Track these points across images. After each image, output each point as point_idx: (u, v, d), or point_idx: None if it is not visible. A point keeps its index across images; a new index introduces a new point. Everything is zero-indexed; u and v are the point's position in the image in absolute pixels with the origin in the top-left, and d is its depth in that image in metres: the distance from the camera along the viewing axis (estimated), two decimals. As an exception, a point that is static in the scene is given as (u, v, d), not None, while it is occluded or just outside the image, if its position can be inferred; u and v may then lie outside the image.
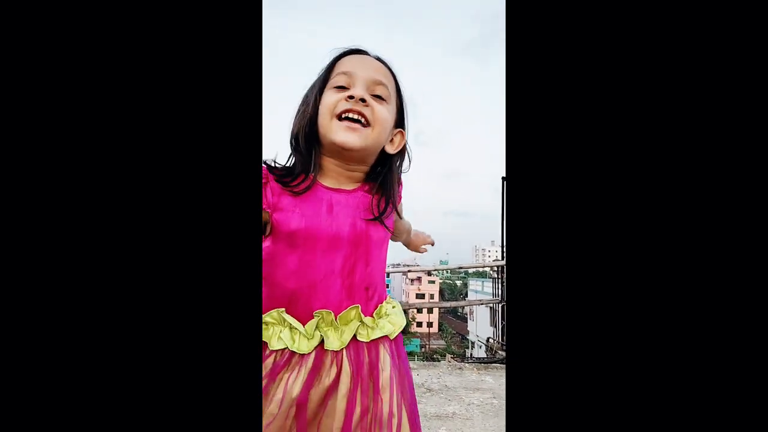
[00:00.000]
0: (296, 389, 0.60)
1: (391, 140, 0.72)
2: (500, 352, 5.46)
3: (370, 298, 0.68)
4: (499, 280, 6.16)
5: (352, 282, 0.66)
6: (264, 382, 0.61)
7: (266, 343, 0.63)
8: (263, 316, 0.64)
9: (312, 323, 0.63)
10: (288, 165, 0.69)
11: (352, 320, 0.65)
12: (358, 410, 0.62)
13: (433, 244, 0.99)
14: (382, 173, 0.72)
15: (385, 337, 0.68)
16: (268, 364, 0.62)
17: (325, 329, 0.63)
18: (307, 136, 0.67)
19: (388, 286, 0.78)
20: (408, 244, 0.97)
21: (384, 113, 0.67)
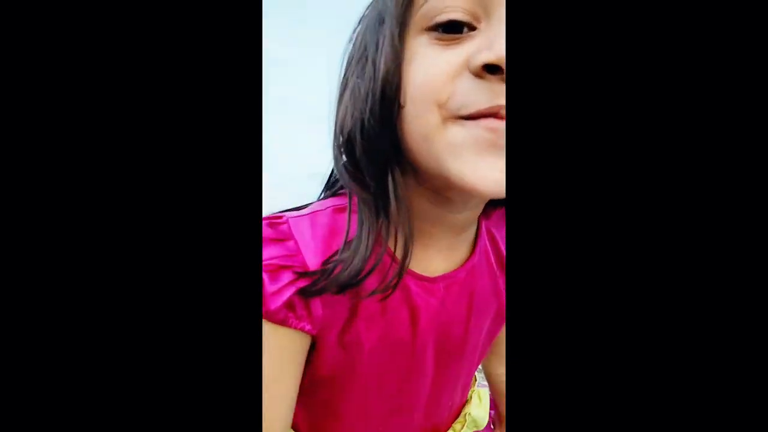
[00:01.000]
0: None
1: None
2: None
3: (458, 395, 0.44)
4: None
5: (439, 407, 0.41)
6: None
7: None
8: None
9: None
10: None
11: None
12: None
13: None
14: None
15: None
16: None
17: None
18: (370, 146, 0.30)
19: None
20: None
21: None
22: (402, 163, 0.30)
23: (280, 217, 0.33)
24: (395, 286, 0.31)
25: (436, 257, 0.35)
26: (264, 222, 0.33)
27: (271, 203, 0.38)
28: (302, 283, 0.31)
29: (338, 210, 0.33)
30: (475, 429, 0.45)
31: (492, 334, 0.43)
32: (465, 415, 0.45)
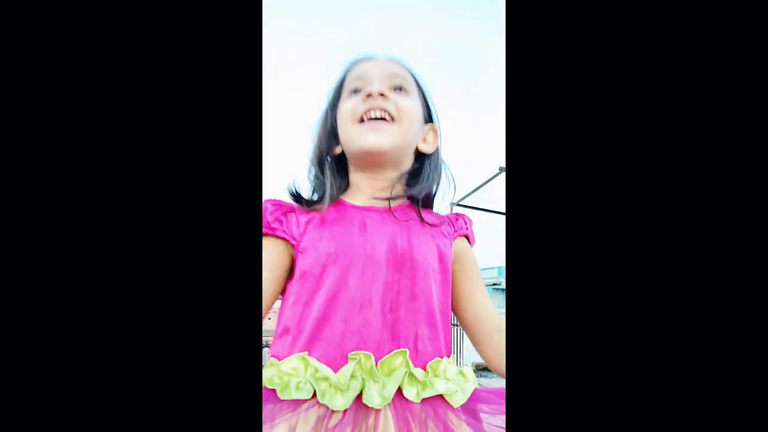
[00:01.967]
0: None
1: (424, 139, 0.64)
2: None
3: (422, 345, 0.53)
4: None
5: (396, 319, 0.52)
6: None
7: (272, 391, 0.48)
8: (279, 364, 0.50)
9: (346, 369, 0.47)
10: (311, 195, 0.61)
11: (395, 369, 0.49)
12: None
13: None
14: (421, 178, 0.61)
15: (443, 403, 0.51)
16: (278, 416, 0.45)
17: (363, 378, 0.47)
18: (328, 154, 0.61)
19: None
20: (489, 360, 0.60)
21: (409, 104, 0.59)
22: (343, 160, 0.63)
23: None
24: (327, 203, 0.58)
25: (368, 200, 0.60)
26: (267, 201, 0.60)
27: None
28: (288, 209, 0.58)
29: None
30: (442, 392, 0.51)
31: (446, 274, 0.59)
32: (442, 369, 0.52)
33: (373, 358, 0.49)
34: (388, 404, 0.47)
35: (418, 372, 0.50)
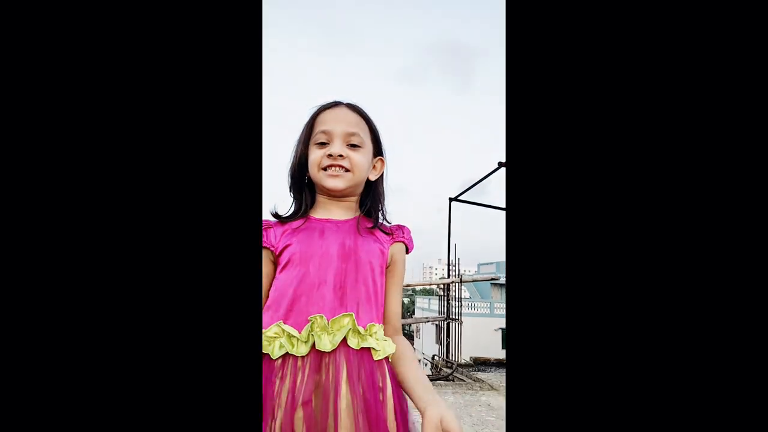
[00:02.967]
0: (302, 390, 0.67)
1: (374, 167, 0.89)
2: (445, 369, 5.56)
3: (362, 313, 0.76)
4: (446, 298, 6.32)
5: (344, 293, 0.75)
6: (270, 388, 0.68)
7: (268, 355, 0.71)
8: (266, 331, 0.72)
9: (307, 327, 0.71)
10: (291, 210, 0.86)
11: (344, 326, 0.72)
12: (360, 407, 0.68)
13: None
14: (370, 199, 0.89)
15: (371, 355, 0.74)
16: (272, 372, 0.69)
17: (318, 332, 0.71)
18: (298, 182, 0.86)
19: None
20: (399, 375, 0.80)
21: (359, 158, 0.83)
22: (312, 185, 0.86)
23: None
24: (304, 219, 0.82)
25: (328, 215, 0.84)
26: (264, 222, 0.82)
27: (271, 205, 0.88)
28: (267, 225, 0.81)
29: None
30: (372, 346, 0.74)
31: (383, 267, 0.84)
32: (375, 331, 0.76)
33: (325, 318, 0.72)
34: (337, 349, 0.71)
35: (360, 329, 0.74)
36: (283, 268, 0.77)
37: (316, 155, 0.82)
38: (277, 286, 0.76)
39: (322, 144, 0.82)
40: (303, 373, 0.69)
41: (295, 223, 0.81)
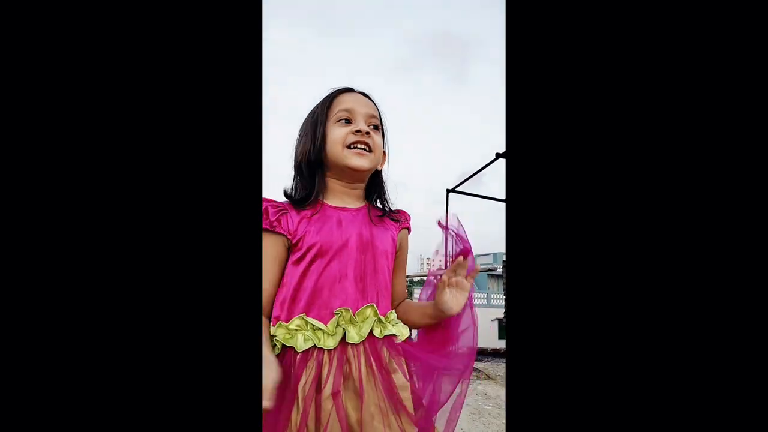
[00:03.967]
0: (330, 382, 0.68)
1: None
2: (442, 358, 5.55)
3: (381, 302, 0.78)
4: (442, 289, 6.26)
5: (365, 285, 0.77)
6: (293, 379, 0.68)
7: (292, 348, 0.70)
8: (287, 324, 0.72)
9: (333, 321, 0.72)
10: (294, 192, 0.83)
11: (368, 317, 0.75)
12: (383, 396, 0.70)
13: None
14: (376, 188, 0.89)
15: (393, 340, 0.77)
16: (294, 364, 0.69)
17: (345, 325, 0.72)
18: (311, 163, 0.81)
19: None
20: (405, 320, 0.88)
21: (379, 140, 0.84)
22: (322, 169, 0.82)
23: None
24: (318, 208, 0.78)
25: (342, 203, 0.82)
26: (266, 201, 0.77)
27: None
28: (283, 208, 0.76)
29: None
30: (393, 333, 0.77)
31: (393, 255, 0.85)
32: (392, 318, 0.80)
33: (350, 311, 0.73)
34: (363, 340, 0.72)
35: (381, 318, 0.76)
36: (301, 258, 0.75)
37: (339, 132, 0.79)
38: (296, 278, 0.74)
39: (346, 122, 0.80)
40: (330, 365, 0.69)
41: (309, 210, 0.79)
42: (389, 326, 0.77)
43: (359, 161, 0.79)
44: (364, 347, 0.73)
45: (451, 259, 0.76)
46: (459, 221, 0.78)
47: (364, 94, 0.86)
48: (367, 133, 0.80)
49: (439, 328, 0.80)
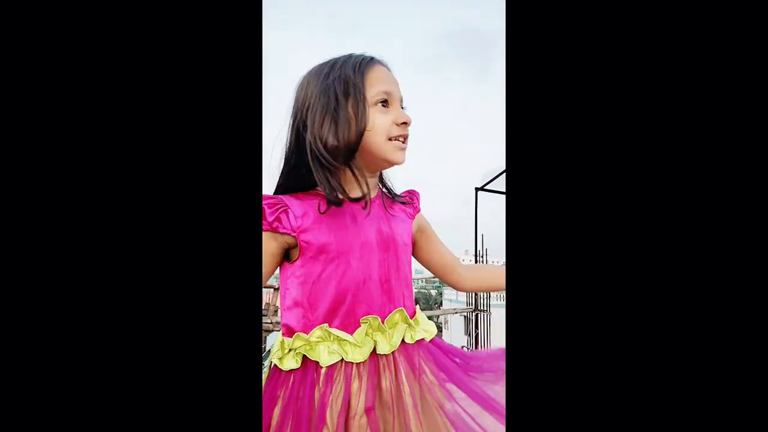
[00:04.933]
0: (362, 397, 0.62)
1: None
2: (474, 360, 5.51)
3: (408, 303, 0.71)
4: (473, 289, 6.24)
5: (390, 287, 0.68)
6: (319, 398, 0.61)
7: (315, 362, 0.63)
8: (308, 336, 0.64)
9: (361, 331, 0.64)
10: (291, 180, 0.69)
11: (397, 323, 0.67)
12: (420, 406, 0.64)
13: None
14: (385, 177, 0.79)
15: (424, 342, 0.72)
16: (318, 379, 0.62)
17: (374, 335, 0.65)
18: (344, 151, 0.65)
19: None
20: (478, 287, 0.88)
21: None
22: (350, 156, 0.67)
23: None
24: (338, 202, 0.65)
25: (358, 193, 0.69)
26: (266, 197, 0.65)
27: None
28: (282, 205, 0.65)
29: (301, 195, 0.69)
30: (424, 336, 0.71)
31: (411, 246, 0.76)
32: (420, 318, 0.73)
33: (379, 319, 0.65)
34: (396, 349, 0.65)
35: (411, 322, 0.69)
36: (313, 259, 0.64)
37: (383, 120, 0.66)
38: (310, 282, 0.64)
39: (383, 104, 0.67)
40: (360, 379, 0.62)
41: (312, 200, 0.66)
42: (417, 329, 0.70)
43: (401, 157, 0.68)
44: (395, 356, 0.66)
45: None
46: None
47: (385, 64, 0.72)
48: (407, 124, 0.68)
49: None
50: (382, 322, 0.66)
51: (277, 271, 0.71)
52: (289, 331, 0.66)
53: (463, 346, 7.09)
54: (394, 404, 0.62)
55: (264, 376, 0.67)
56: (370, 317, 0.65)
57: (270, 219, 0.64)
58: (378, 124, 0.66)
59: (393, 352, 0.65)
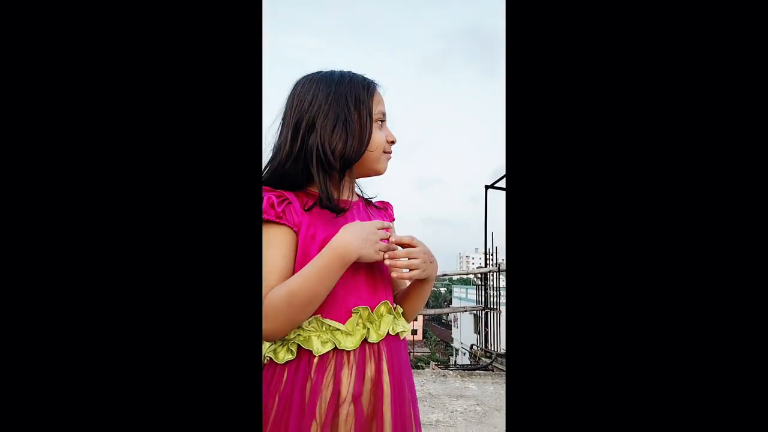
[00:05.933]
0: (351, 385, 0.66)
1: None
2: (484, 359, 5.50)
3: (389, 297, 0.76)
4: (483, 287, 6.22)
5: (376, 281, 0.74)
6: (311, 386, 0.65)
7: (309, 352, 0.67)
8: (302, 326, 0.68)
9: (352, 320, 0.69)
10: (293, 179, 0.74)
11: (384, 314, 0.73)
12: (394, 398, 0.68)
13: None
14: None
15: (399, 336, 0.76)
16: (311, 367, 0.66)
17: (364, 324, 0.70)
18: (347, 161, 0.73)
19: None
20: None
21: None
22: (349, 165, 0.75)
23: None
24: (334, 205, 0.72)
25: (342, 195, 0.77)
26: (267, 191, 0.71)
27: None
28: (286, 199, 0.70)
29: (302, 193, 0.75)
30: (404, 329, 0.76)
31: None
32: (401, 312, 0.78)
33: (368, 309, 0.70)
34: (382, 339, 0.71)
35: (395, 314, 0.75)
36: (308, 254, 0.68)
37: (380, 136, 0.76)
38: None
39: (380, 123, 0.77)
40: (349, 367, 0.66)
41: (308, 200, 0.72)
42: (401, 323, 0.76)
43: (386, 166, 0.80)
44: (380, 345, 0.70)
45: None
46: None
47: None
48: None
49: None
50: (371, 313, 0.71)
51: None
52: None
53: (472, 345, 7.05)
54: (374, 392, 0.67)
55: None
56: (360, 308, 0.70)
57: (278, 209, 0.68)
58: (376, 139, 0.77)
59: (379, 342, 0.70)
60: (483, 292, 6.18)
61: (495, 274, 6.03)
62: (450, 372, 3.98)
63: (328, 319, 0.68)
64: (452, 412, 2.66)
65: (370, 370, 0.67)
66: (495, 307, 5.92)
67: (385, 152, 0.77)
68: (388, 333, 0.71)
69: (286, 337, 0.68)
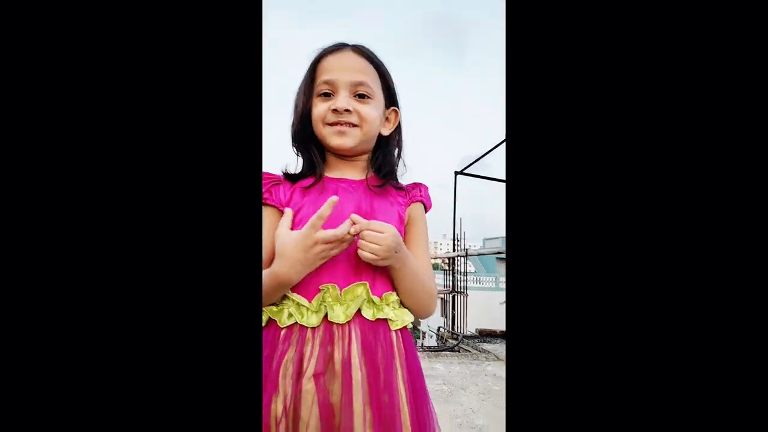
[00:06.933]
0: (312, 362, 0.64)
1: (387, 119, 0.80)
2: (450, 340, 5.66)
3: (377, 281, 0.71)
4: (450, 272, 6.36)
5: (359, 261, 0.68)
6: (276, 358, 0.65)
7: (275, 321, 0.68)
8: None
9: (318, 297, 0.67)
10: (300, 168, 0.78)
11: (358, 296, 0.68)
12: (368, 385, 0.65)
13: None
14: (381, 155, 0.80)
15: (388, 325, 0.71)
16: (278, 339, 0.67)
17: (330, 303, 0.67)
18: (303, 138, 0.76)
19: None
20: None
21: (368, 111, 0.73)
22: (317, 143, 0.77)
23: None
24: (317, 181, 0.75)
25: (341, 174, 0.78)
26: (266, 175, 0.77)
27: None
28: (276, 180, 0.75)
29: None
30: (390, 317, 0.71)
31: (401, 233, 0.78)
32: (393, 300, 0.73)
33: (338, 288, 0.68)
34: (351, 320, 0.67)
35: (375, 299, 0.70)
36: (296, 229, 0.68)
37: (320, 109, 0.72)
38: None
39: (326, 95, 0.73)
40: (312, 344, 0.65)
41: (306, 182, 0.74)
42: (384, 308, 0.70)
43: (339, 140, 0.72)
44: (351, 328, 0.67)
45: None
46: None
47: (359, 49, 0.76)
48: (347, 110, 0.72)
49: None
50: (340, 293, 0.68)
51: None
52: None
53: (439, 327, 7.21)
54: (343, 376, 0.64)
55: None
56: (329, 285, 0.67)
57: (264, 191, 0.72)
58: (316, 112, 0.74)
59: (348, 323, 0.67)
60: (451, 276, 6.32)
61: (462, 259, 6.17)
62: (417, 353, 4.09)
63: (295, 294, 0.68)
64: (430, 404, 2.75)
65: (338, 352, 0.65)
66: (462, 291, 6.07)
67: (328, 124, 0.72)
68: (362, 317, 0.68)
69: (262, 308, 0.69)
